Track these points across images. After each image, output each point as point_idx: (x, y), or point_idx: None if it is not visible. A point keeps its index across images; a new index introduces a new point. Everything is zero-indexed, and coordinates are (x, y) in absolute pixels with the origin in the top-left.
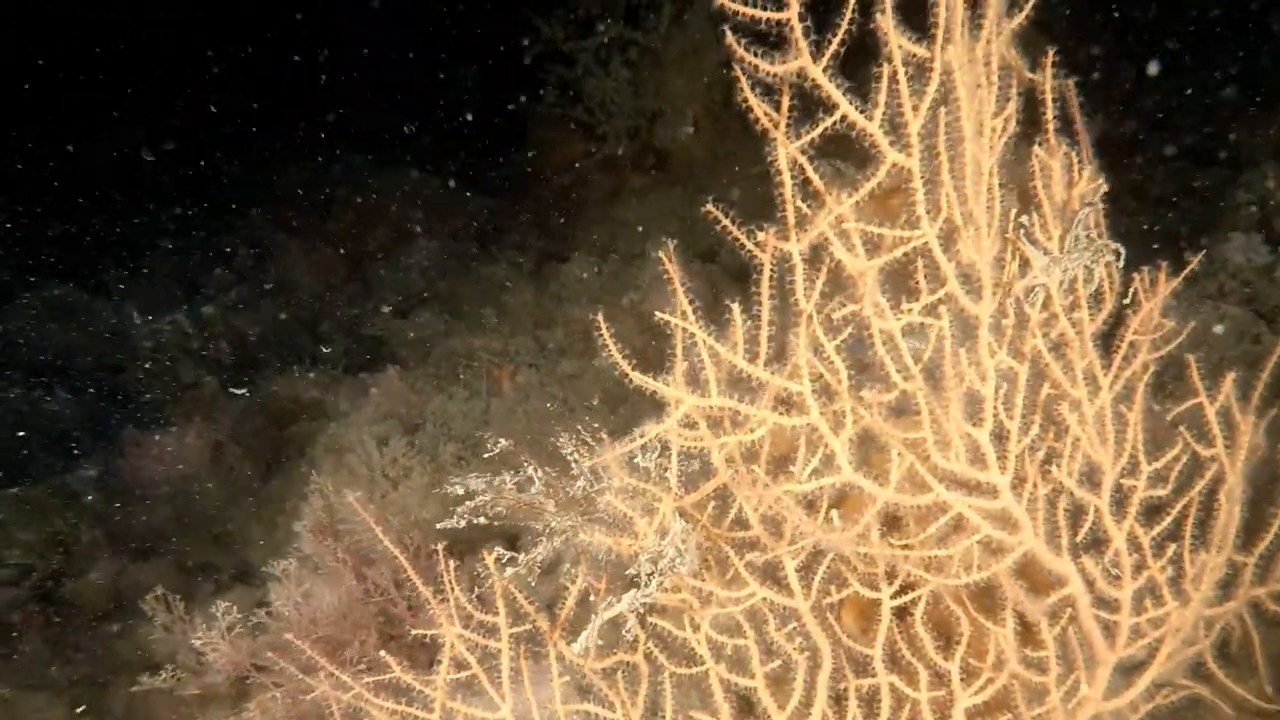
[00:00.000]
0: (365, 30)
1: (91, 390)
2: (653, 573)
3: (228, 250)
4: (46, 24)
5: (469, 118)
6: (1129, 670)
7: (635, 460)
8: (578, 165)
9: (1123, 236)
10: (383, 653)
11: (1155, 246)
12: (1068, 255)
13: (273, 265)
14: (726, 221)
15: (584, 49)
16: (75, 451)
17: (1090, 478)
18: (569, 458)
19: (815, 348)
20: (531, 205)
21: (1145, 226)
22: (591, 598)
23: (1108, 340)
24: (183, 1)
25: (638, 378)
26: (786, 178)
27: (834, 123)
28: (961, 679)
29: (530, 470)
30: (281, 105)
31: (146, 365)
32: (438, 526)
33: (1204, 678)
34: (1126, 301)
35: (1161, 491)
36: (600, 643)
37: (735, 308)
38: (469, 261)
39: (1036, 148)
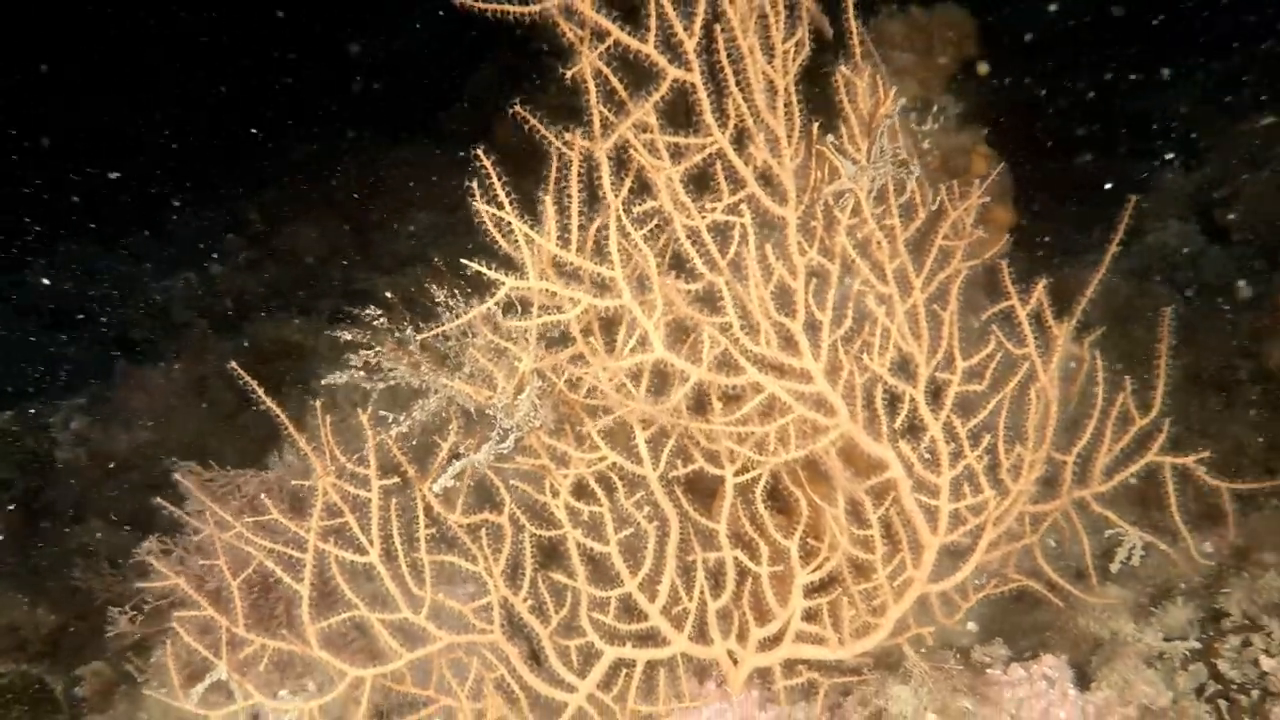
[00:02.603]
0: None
1: (95, 334)
2: (509, 425)
3: (240, 216)
4: None
5: (466, 104)
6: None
7: (498, 320)
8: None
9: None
10: (262, 495)
11: None
12: (873, 165)
13: (281, 231)
14: (535, 122)
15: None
16: (68, 384)
17: (906, 370)
18: (439, 311)
19: (624, 235)
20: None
21: None
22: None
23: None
24: None
25: (471, 264)
26: (590, 84)
27: (609, 45)
28: (800, 556)
29: (408, 328)
30: (299, 81)
31: (146, 311)
32: (322, 382)
33: (1036, 574)
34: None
35: (978, 387)
36: (466, 500)
37: (548, 199)
38: (458, 230)
39: (842, 67)
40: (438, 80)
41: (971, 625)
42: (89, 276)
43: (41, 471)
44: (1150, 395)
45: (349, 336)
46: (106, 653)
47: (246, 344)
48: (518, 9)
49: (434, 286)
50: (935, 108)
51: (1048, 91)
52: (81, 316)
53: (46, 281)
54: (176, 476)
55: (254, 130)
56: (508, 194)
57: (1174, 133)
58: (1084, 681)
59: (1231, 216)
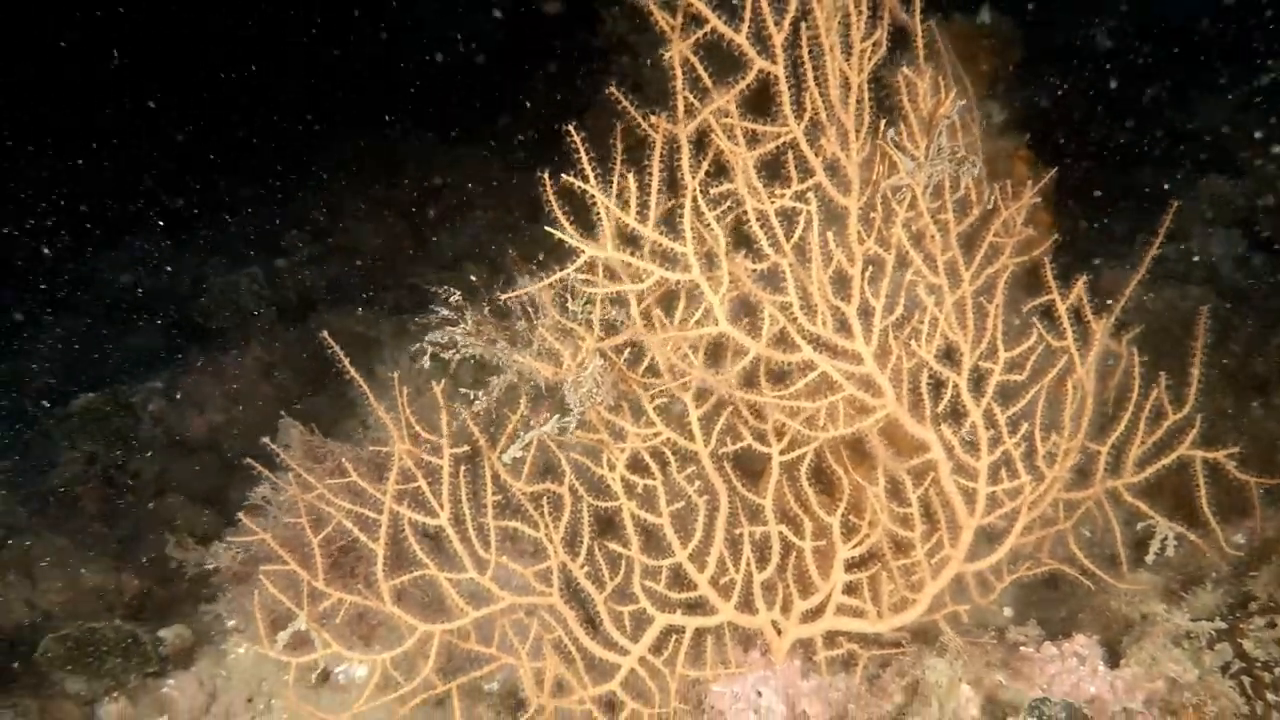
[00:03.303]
0: (446, 21)
1: (168, 323)
2: (574, 399)
3: (304, 214)
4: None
5: (529, 104)
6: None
7: (566, 305)
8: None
9: None
10: (343, 459)
11: None
12: (931, 162)
13: (342, 228)
14: (625, 103)
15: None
16: (146, 369)
17: (951, 358)
18: (506, 303)
19: (698, 215)
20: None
21: None
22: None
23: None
24: None
25: (554, 229)
26: (679, 71)
27: (706, 33)
28: (842, 533)
29: (485, 310)
30: (363, 86)
31: (218, 303)
32: (413, 348)
33: (1070, 560)
34: (989, 207)
35: (1019, 377)
36: (529, 471)
37: (630, 176)
38: (517, 228)
39: (904, 68)
40: (498, 84)
41: (1008, 610)
42: (162, 270)
43: (125, 448)
44: (1185, 392)
45: (443, 312)
46: (186, 616)
47: (310, 333)
48: None
49: (514, 268)
50: (978, 113)
51: (1092, 99)
52: (155, 307)
53: (125, 277)
54: (283, 421)
55: (318, 129)
56: (593, 168)
57: (1220, 142)
58: (1114, 659)
59: (1274, 226)
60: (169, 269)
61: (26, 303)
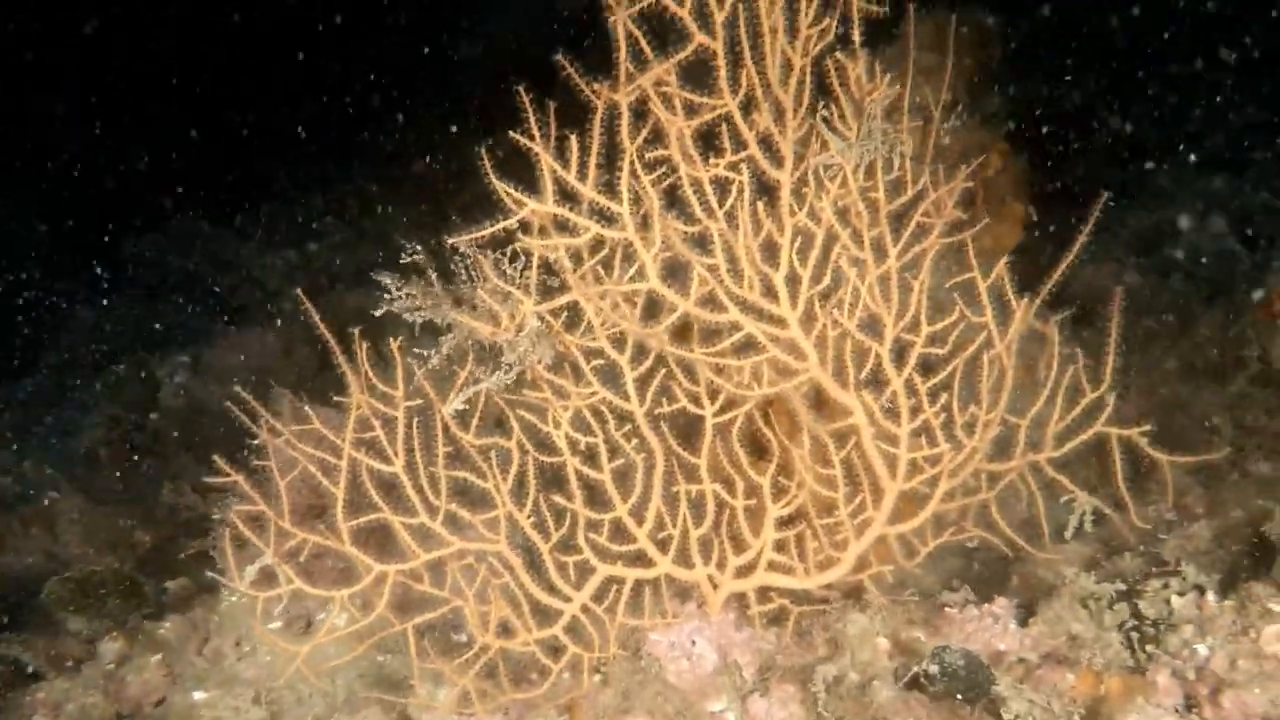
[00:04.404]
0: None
1: (204, 301)
2: (512, 359)
3: (341, 200)
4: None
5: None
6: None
7: (503, 268)
8: None
9: None
10: (305, 407)
11: None
12: (861, 143)
13: (375, 215)
14: (571, 70)
15: None
16: (180, 345)
17: (875, 330)
18: (451, 263)
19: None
20: None
21: None
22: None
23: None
24: None
25: (495, 183)
26: (623, 41)
27: (652, 3)
28: (772, 493)
29: (431, 274)
30: (398, 79)
31: (250, 284)
32: (371, 312)
33: (989, 526)
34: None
35: (940, 351)
36: (482, 427)
37: (573, 139)
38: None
39: (838, 53)
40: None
41: (955, 582)
42: (199, 250)
43: (145, 414)
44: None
45: (386, 279)
46: (191, 568)
47: (330, 311)
48: None
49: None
50: (958, 106)
51: (1080, 92)
52: (193, 287)
53: (167, 258)
54: (273, 391)
55: (359, 118)
56: (541, 132)
57: (1215, 137)
58: (1027, 620)
59: (1264, 220)
60: (207, 250)
61: (72, 282)
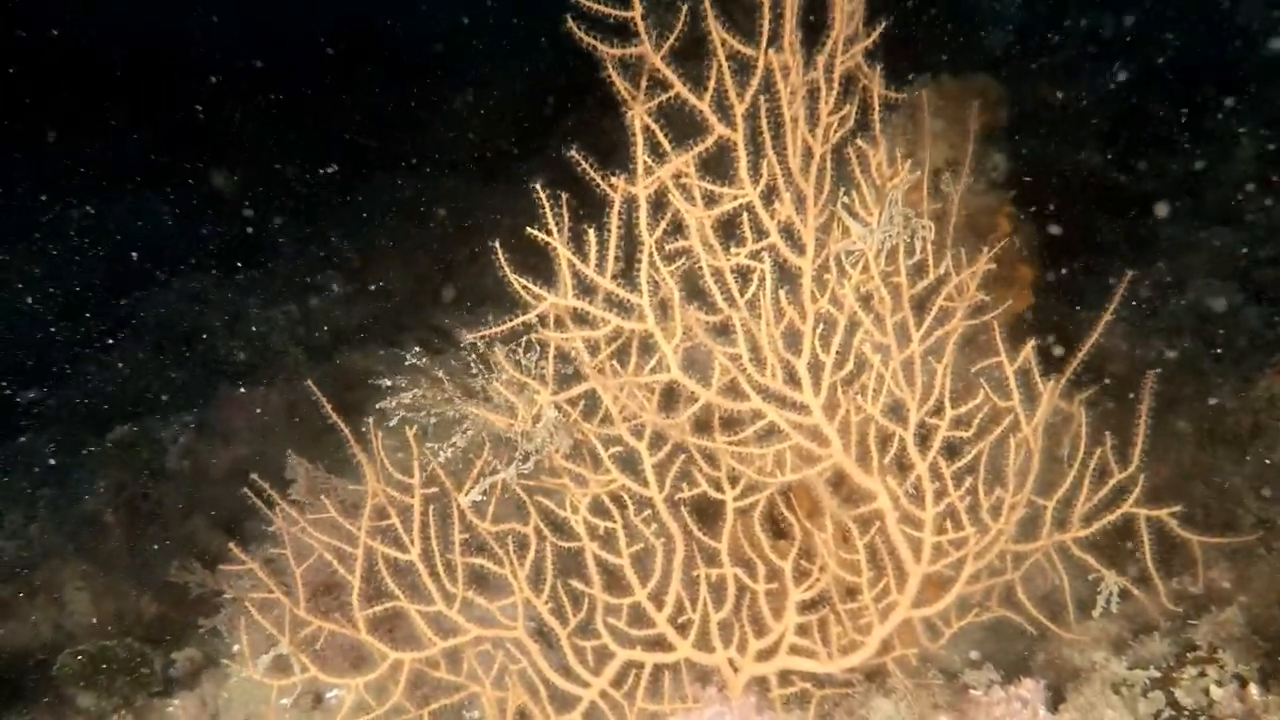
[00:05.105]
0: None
1: (206, 359)
2: (529, 449)
3: (340, 254)
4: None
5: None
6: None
7: (519, 360)
8: None
9: None
10: (322, 496)
11: None
12: (882, 228)
13: (375, 269)
14: (585, 165)
15: None
16: (180, 404)
17: (898, 414)
18: (466, 357)
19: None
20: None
21: None
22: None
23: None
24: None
25: (513, 279)
26: (639, 135)
27: (670, 97)
28: (794, 577)
29: (439, 371)
30: (392, 127)
31: (248, 339)
32: (378, 405)
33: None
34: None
35: (964, 433)
36: (499, 513)
37: (590, 232)
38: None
39: (858, 140)
40: (529, 129)
41: (974, 654)
42: (202, 308)
43: (152, 478)
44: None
45: (389, 383)
46: (199, 640)
47: (334, 370)
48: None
49: (458, 327)
50: (966, 170)
51: (1088, 152)
52: (194, 343)
53: (168, 314)
54: (290, 458)
55: (359, 171)
56: (557, 224)
57: (1220, 192)
58: (1057, 705)
59: (1272, 275)
60: (209, 307)
61: (76, 337)
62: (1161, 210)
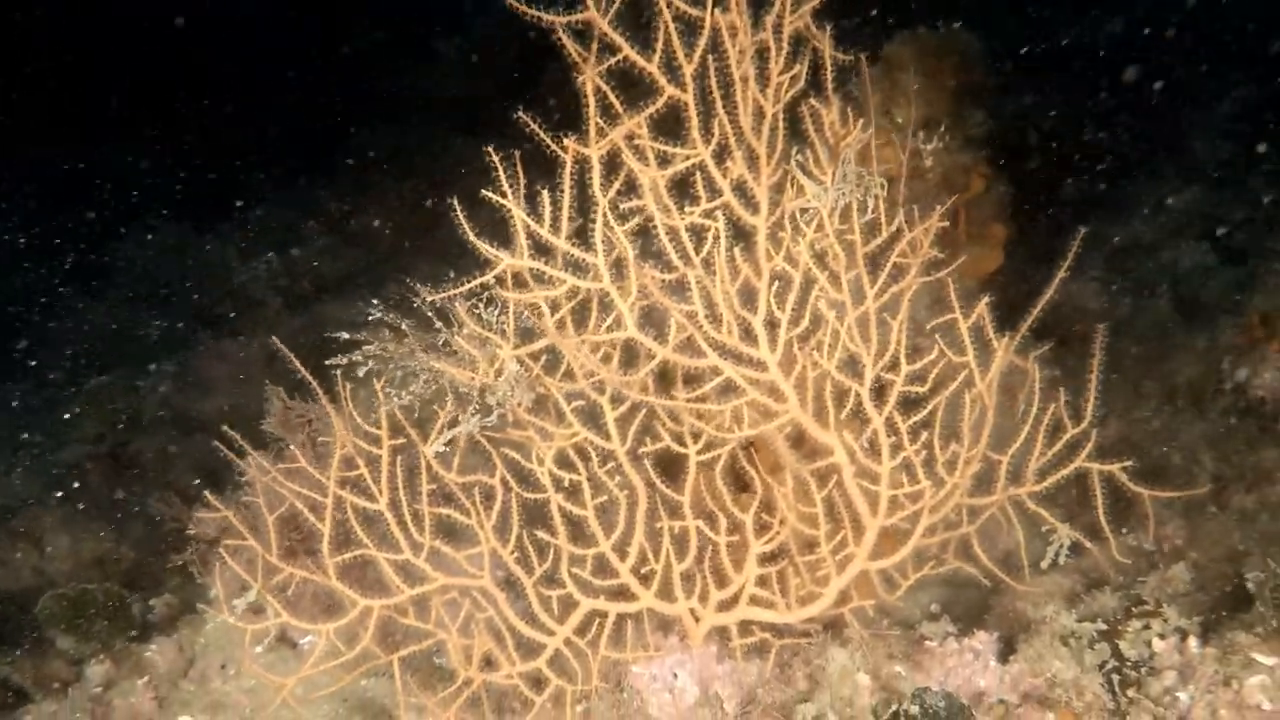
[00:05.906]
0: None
1: (187, 309)
2: (491, 402)
3: (322, 205)
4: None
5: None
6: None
7: (480, 314)
8: None
9: None
10: (291, 445)
11: None
12: (836, 186)
13: (357, 220)
14: (535, 127)
15: None
16: (160, 354)
17: (855, 369)
18: (426, 311)
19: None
20: None
21: None
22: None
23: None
24: None
25: (472, 240)
26: (591, 97)
27: (619, 60)
28: (755, 529)
29: (403, 324)
30: (380, 77)
31: (228, 290)
32: (326, 362)
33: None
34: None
35: (920, 389)
36: (467, 464)
37: (544, 193)
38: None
39: (812, 99)
40: (513, 80)
41: (934, 607)
42: (182, 259)
43: (130, 428)
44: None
45: (347, 336)
46: (176, 586)
47: (314, 320)
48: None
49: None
50: (941, 128)
51: (1058, 111)
52: (175, 294)
53: (149, 264)
54: (268, 388)
55: (341, 122)
56: (512, 187)
57: (1197, 153)
58: (1008, 656)
59: (1242, 237)
60: (189, 257)
61: (56, 288)
62: (1136, 170)
